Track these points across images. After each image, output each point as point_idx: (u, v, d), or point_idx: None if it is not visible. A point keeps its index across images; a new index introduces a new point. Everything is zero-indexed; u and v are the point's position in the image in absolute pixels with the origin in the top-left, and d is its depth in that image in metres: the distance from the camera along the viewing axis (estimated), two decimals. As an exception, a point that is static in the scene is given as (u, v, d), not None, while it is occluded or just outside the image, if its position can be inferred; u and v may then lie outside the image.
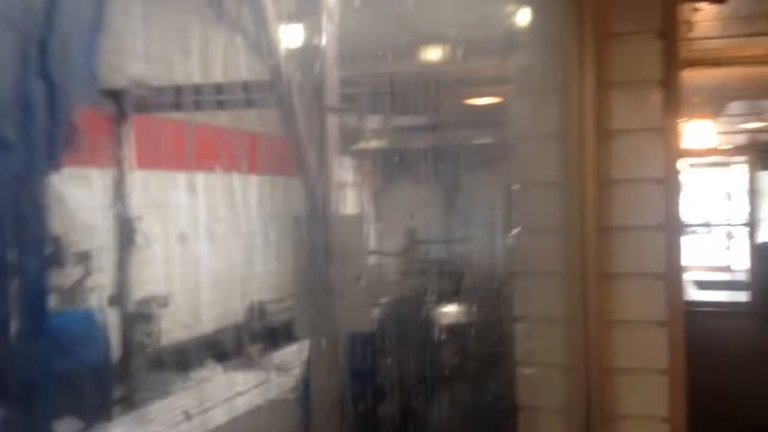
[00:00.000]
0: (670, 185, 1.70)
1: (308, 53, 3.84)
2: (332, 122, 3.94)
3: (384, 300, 7.22)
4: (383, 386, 4.48)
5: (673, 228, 1.71)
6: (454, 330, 5.88)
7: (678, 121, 1.74)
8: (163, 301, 7.81)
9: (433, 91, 6.70)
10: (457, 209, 8.25)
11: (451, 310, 6.09)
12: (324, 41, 3.87)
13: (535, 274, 1.66)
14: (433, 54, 8.62)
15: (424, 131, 8.10)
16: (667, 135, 1.67)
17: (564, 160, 1.59)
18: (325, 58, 3.93)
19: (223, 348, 8.75)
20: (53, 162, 2.61)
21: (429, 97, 6.67)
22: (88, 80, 2.77)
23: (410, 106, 7.45)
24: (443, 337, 5.74)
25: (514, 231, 1.64)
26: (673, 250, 1.73)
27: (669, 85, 1.69)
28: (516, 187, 1.71)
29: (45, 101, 2.48)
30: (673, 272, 1.68)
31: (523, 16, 1.76)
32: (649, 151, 1.64)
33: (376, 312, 7.37)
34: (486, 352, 5.33)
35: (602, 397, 1.58)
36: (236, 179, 9.25)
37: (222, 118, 8.47)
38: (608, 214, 1.62)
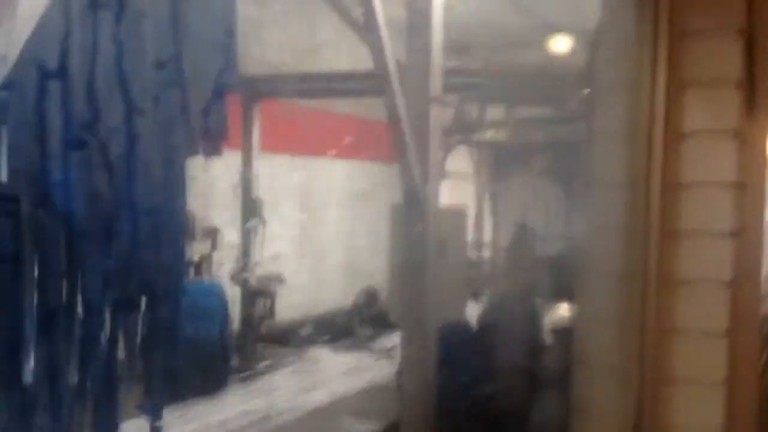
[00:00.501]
0: (746, 189, 1.61)
1: (416, 44, 3.90)
2: (436, 113, 3.99)
3: (488, 293, 7.19)
4: (477, 379, 4.47)
5: (745, 234, 1.62)
6: (561, 330, 5.74)
7: (760, 123, 1.63)
8: (281, 279, 8.17)
9: (555, 82, 6.54)
10: (574, 205, 8.02)
11: (559, 308, 5.96)
12: (431, 32, 3.91)
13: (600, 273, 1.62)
14: (558, 45, 8.40)
15: (544, 123, 7.93)
16: (744, 137, 1.58)
17: (631, 161, 1.55)
18: (430, 48, 3.98)
19: (334, 329, 9.04)
20: (197, 144, 2.76)
21: (551, 88, 6.52)
22: (230, 66, 2.91)
23: (531, 98, 7.30)
24: (548, 336, 5.63)
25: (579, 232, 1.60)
26: (746, 257, 1.64)
27: (749, 85, 1.59)
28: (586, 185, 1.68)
29: (188, 86, 2.64)
30: (741, 280, 1.60)
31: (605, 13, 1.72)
32: (724, 153, 1.56)
33: (479, 305, 7.33)
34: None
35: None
36: (355, 165, 9.47)
37: (346, 107, 8.68)
38: (677, 217, 1.56)
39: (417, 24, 3.79)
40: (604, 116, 1.63)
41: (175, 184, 2.67)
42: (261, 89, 6.96)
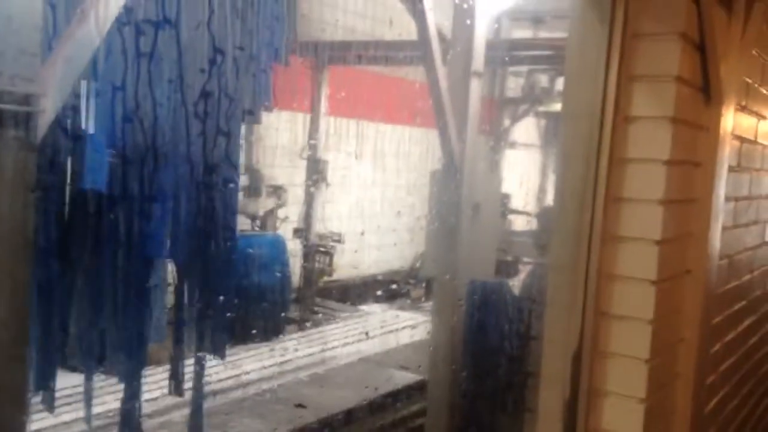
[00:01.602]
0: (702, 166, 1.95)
1: (462, 18, 4.17)
2: (476, 85, 4.30)
3: (526, 260, 7.46)
4: (504, 342, 4.72)
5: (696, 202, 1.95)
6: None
7: (714, 111, 1.94)
8: (340, 238, 8.63)
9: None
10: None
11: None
12: (476, 5, 4.17)
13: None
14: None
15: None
16: (700, 124, 1.89)
17: (587, 138, 1.89)
18: (474, 21, 4.23)
19: (389, 289, 9.47)
20: (259, 105, 3.10)
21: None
22: (288, 32, 3.18)
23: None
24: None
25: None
26: (687, 221, 1.98)
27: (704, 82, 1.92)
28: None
29: (249, 51, 2.97)
30: (669, 238, 1.93)
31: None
32: (661, 136, 1.87)
33: (519, 272, 7.61)
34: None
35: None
36: (416, 132, 9.78)
37: (412, 74, 8.99)
38: (620, 187, 1.90)
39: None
40: (572, 98, 1.97)
41: (228, 144, 3.02)
42: (327, 55, 7.34)
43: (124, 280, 2.67)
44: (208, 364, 3.26)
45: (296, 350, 6.72)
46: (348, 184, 9.17)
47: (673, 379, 2.15)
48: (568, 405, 1.93)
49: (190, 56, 2.66)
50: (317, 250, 8.50)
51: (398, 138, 9.87)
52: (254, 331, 7.04)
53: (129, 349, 2.75)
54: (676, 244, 1.98)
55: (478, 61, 4.19)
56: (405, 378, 5.98)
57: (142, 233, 2.68)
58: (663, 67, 1.81)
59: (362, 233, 9.44)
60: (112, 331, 2.68)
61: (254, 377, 5.77)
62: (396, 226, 10.01)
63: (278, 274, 7.55)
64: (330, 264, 8.61)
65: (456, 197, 4.26)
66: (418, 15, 4.02)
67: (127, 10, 2.38)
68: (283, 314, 7.45)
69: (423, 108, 9.48)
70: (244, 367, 5.88)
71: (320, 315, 8.38)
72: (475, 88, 4.22)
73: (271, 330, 7.20)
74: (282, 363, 6.25)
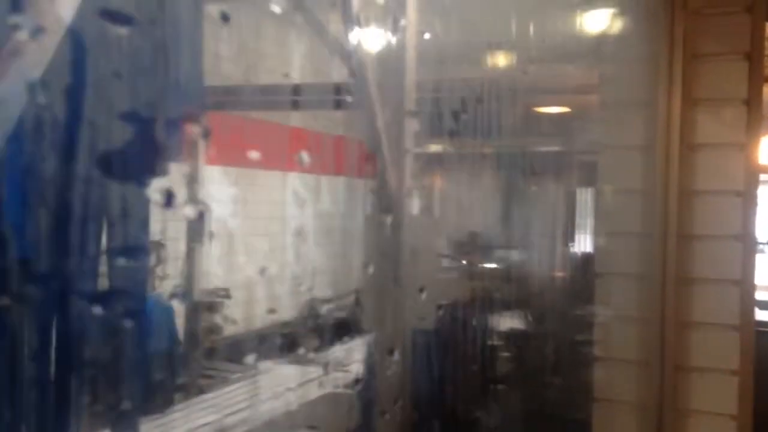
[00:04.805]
0: (748, 198, 1.81)
1: (390, 55, 3.98)
2: (409, 125, 4.09)
3: (444, 302, 7.32)
4: (441, 385, 4.56)
5: (750, 238, 1.81)
6: (513, 335, 5.94)
7: (759, 137, 1.83)
8: (226, 294, 8.08)
9: (501, 96, 6.72)
10: (520, 216, 8.28)
11: (510, 315, 6.16)
12: (406, 43, 4.00)
13: (618, 275, 1.78)
14: (503, 60, 8.63)
15: (490, 137, 8.11)
16: (747, 150, 1.77)
17: (649, 170, 1.71)
18: (405, 60, 4.06)
19: (281, 342, 8.98)
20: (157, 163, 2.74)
21: (496, 102, 6.70)
22: (195, 83, 2.92)
23: (477, 112, 7.47)
24: (501, 342, 5.81)
25: (599, 235, 1.77)
26: (748, 259, 1.83)
27: (752, 103, 1.79)
28: (599, 193, 1.82)
29: (150, 107, 2.62)
30: (747, 280, 1.78)
31: (611, 29, 1.87)
32: (731, 165, 1.74)
33: (438, 313, 7.46)
34: (544, 357, 5.39)
35: (675, 393, 1.69)
36: (300, 178, 9.48)
37: (296, 120, 8.69)
38: (690, 223, 1.72)
39: (391, 36, 3.87)
40: (615, 128, 1.79)
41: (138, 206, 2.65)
42: (212, 102, 6.91)
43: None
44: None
45: (187, 423, 6.12)
46: (235, 236, 8.64)
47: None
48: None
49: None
50: (203, 308, 7.93)
51: (289, 185, 9.49)
52: (142, 406, 6.33)
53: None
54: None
55: (411, 101, 3.98)
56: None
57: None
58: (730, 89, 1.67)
59: (251, 285, 8.92)
60: None
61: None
62: (287, 275, 9.56)
63: (164, 339, 6.92)
64: (218, 321, 8.07)
65: (395, 241, 3.99)
66: (349, 56, 3.74)
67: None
68: (171, 383, 6.82)
69: (317, 155, 9.16)
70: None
71: (211, 379, 7.77)
72: (409, 127, 4.00)
73: (160, 402, 6.55)
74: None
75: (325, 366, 7.83)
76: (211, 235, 7.66)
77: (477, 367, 5.39)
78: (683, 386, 1.71)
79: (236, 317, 8.66)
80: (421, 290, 4.26)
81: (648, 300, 1.70)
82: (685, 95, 1.66)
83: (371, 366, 4.35)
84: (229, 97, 7.06)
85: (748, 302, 1.74)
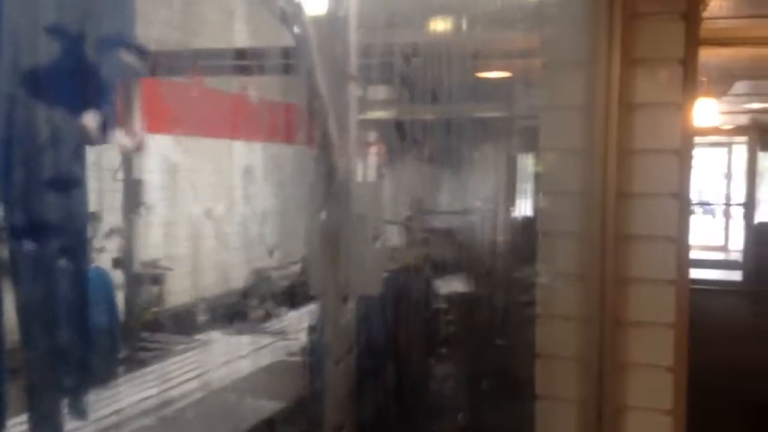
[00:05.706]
0: (684, 157, 1.86)
1: (333, 20, 3.92)
2: (352, 91, 4.06)
3: (390, 267, 7.38)
4: (386, 350, 4.63)
5: (685, 197, 1.86)
6: (458, 297, 6.05)
7: (694, 98, 1.88)
8: (168, 265, 7.95)
9: (443, 62, 6.72)
10: (462, 181, 8.37)
11: (453, 278, 6.26)
12: (349, 8, 3.95)
13: (559, 234, 1.82)
14: (444, 25, 8.61)
15: (432, 103, 8.12)
16: (684, 111, 1.81)
17: (589, 130, 1.73)
18: (348, 25, 4.02)
19: (226, 312, 8.91)
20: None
21: (439, 68, 6.70)
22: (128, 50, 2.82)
23: (419, 77, 7.47)
24: (444, 305, 5.92)
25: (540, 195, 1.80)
26: (684, 217, 1.89)
27: (688, 63, 1.83)
28: (539, 155, 1.85)
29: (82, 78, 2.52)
30: (683, 237, 1.84)
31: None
32: (668, 124, 1.79)
33: (384, 278, 7.50)
34: (489, 316, 5.52)
35: (614, 347, 1.75)
36: (243, 146, 9.33)
37: (235, 87, 8.53)
38: (629, 181, 1.76)
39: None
40: (556, 89, 1.81)
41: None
42: (152, 67, 6.71)
43: None
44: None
45: (130, 395, 6.04)
46: (176, 205, 8.52)
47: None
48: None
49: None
50: (144, 280, 7.81)
51: (231, 153, 9.36)
52: (85, 379, 6.21)
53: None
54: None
55: (353, 65, 3.94)
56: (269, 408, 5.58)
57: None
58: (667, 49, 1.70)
59: (194, 255, 8.82)
60: None
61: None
62: (232, 244, 9.49)
63: (104, 312, 6.80)
64: (159, 293, 7.96)
65: (339, 209, 3.98)
66: (291, 21, 3.67)
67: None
68: (114, 356, 6.72)
69: (258, 121, 9.04)
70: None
71: (154, 351, 7.68)
72: (353, 93, 3.96)
73: (103, 375, 6.46)
74: (117, 412, 5.59)
75: (274, 333, 7.80)
76: (147, 206, 7.42)
77: (423, 326, 5.47)
78: (622, 340, 1.77)
79: (178, 289, 8.54)
80: (367, 255, 4.27)
81: (588, 257, 1.74)
82: (624, 55, 1.69)
83: (318, 343, 4.36)
84: (158, 63, 6.83)
85: (684, 258, 1.80)
